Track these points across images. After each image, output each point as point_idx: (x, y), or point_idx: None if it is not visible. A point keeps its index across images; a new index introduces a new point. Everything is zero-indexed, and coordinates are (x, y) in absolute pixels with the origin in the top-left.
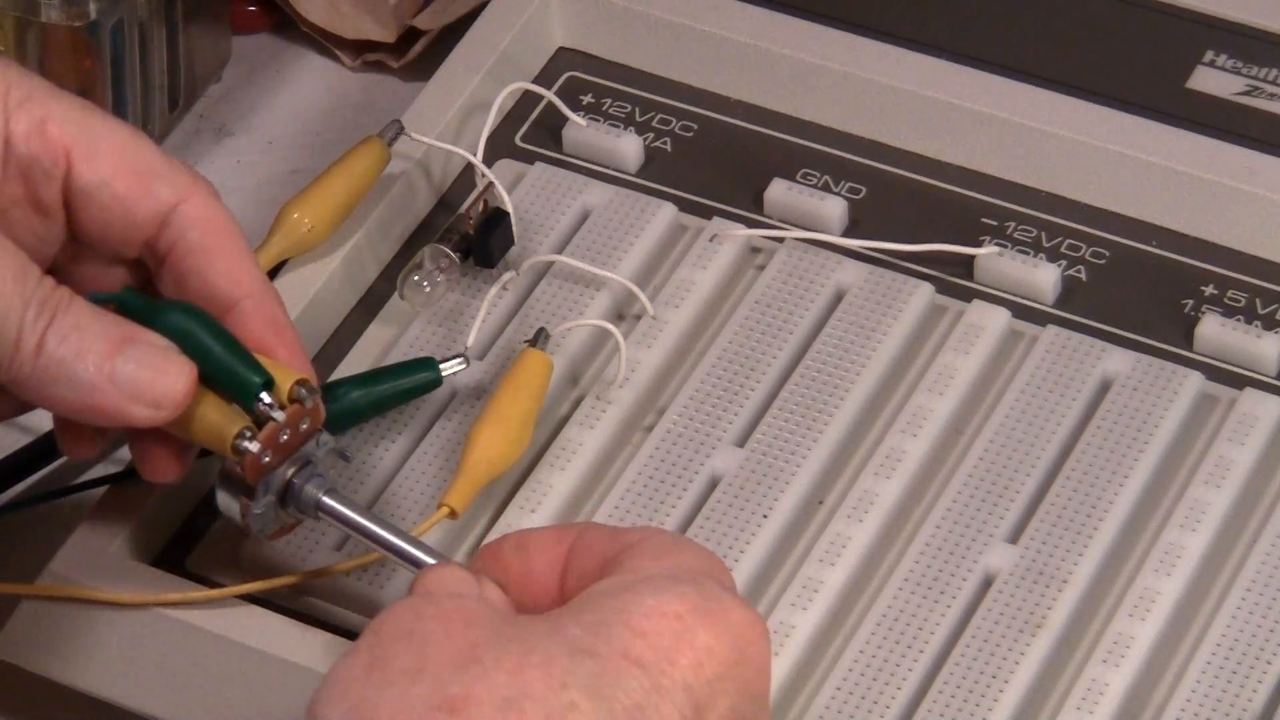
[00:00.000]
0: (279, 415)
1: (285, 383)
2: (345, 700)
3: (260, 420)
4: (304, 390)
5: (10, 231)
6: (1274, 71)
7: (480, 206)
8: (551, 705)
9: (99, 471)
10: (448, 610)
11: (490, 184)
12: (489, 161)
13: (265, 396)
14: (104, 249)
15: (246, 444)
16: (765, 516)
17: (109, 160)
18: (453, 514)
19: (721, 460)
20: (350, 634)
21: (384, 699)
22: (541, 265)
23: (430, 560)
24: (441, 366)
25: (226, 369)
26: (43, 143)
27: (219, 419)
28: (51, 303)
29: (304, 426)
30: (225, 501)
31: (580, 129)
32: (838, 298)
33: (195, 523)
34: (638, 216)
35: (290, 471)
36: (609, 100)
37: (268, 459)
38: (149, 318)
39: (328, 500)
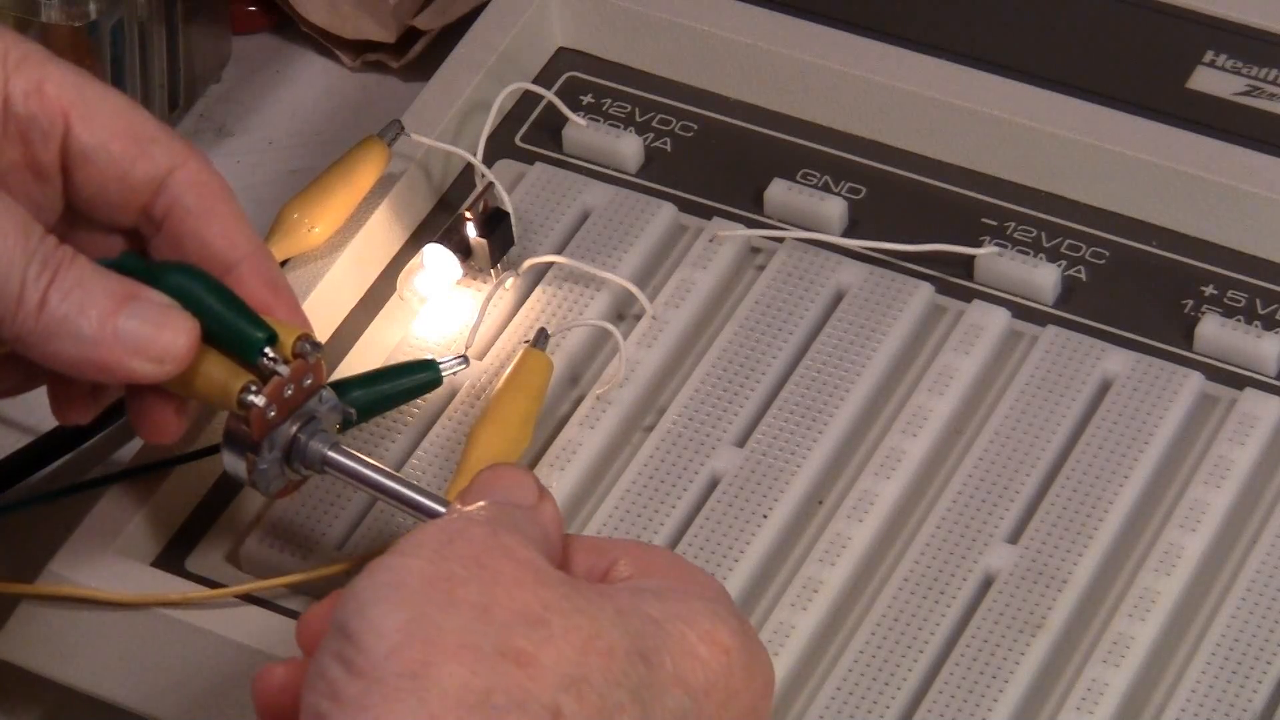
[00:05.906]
0: (283, 369)
1: (287, 338)
2: (404, 608)
3: (264, 375)
4: (307, 345)
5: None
6: (1274, 71)
7: (480, 206)
8: (606, 700)
9: (99, 472)
10: (520, 558)
11: (490, 184)
12: (489, 161)
13: (269, 351)
14: (100, 215)
15: (252, 398)
16: (765, 516)
17: (106, 123)
18: None
19: (721, 460)
20: None
21: (450, 624)
22: (541, 265)
23: (441, 509)
24: (441, 366)
25: (229, 325)
26: (41, 103)
27: (223, 374)
28: (54, 259)
29: (307, 382)
30: (231, 461)
31: (580, 129)
32: (838, 298)
33: (195, 523)
34: (638, 216)
35: (295, 428)
36: (609, 100)
37: (273, 413)
38: (150, 279)
39: (334, 455)
